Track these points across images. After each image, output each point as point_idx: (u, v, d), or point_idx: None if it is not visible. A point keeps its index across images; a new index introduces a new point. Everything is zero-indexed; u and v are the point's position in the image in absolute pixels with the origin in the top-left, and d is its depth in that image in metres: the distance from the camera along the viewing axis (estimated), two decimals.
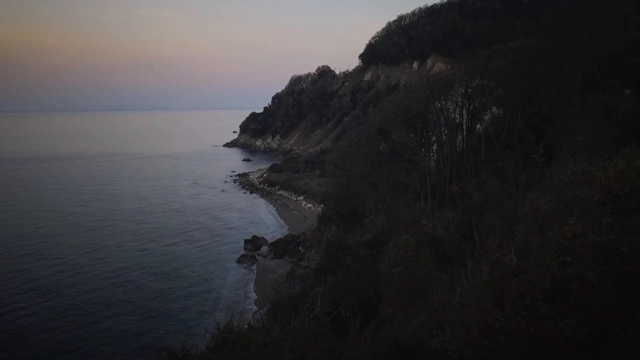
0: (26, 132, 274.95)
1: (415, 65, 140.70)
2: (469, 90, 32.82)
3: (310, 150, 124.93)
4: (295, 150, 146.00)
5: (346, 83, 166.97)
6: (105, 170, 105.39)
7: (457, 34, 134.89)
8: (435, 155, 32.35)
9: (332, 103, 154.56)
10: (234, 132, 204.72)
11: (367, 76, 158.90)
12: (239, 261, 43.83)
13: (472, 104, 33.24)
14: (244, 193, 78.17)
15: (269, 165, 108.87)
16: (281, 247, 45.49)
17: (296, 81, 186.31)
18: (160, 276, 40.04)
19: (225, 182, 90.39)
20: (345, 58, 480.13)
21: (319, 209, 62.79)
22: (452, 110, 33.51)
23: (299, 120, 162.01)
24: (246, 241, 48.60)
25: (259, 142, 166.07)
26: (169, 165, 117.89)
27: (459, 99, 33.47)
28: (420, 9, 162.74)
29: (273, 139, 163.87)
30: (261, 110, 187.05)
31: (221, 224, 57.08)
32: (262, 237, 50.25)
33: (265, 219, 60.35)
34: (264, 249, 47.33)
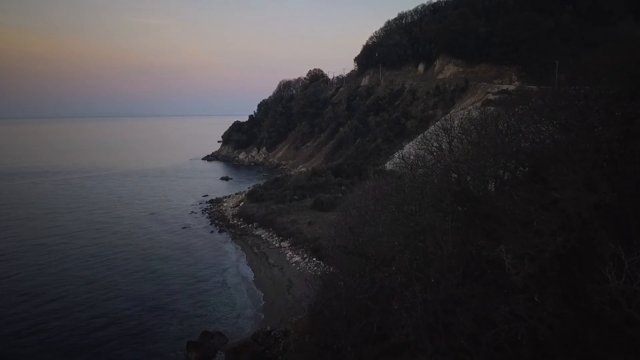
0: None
1: (420, 67, 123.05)
2: None
3: (301, 168, 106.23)
4: (284, 165, 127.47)
5: (341, 89, 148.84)
6: (41, 193, 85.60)
7: (468, 33, 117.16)
8: None
9: (325, 111, 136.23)
10: (219, 141, 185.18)
11: (365, 81, 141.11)
12: None
13: None
14: (211, 232, 59.13)
15: (251, 186, 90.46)
16: None
17: (285, 86, 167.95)
18: None
19: (192, 212, 71.29)
20: (338, 64, 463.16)
21: (309, 264, 44.31)
22: None
23: (287, 131, 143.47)
24: (190, 345, 29.56)
25: (242, 155, 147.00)
26: (133, 185, 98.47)
27: None
28: (423, 5, 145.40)
29: (258, 151, 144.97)
30: (247, 119, 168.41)
31: (161, 298, 37.88)
32: (218, 332, 31.31)
33: (231, 284, 41.35)
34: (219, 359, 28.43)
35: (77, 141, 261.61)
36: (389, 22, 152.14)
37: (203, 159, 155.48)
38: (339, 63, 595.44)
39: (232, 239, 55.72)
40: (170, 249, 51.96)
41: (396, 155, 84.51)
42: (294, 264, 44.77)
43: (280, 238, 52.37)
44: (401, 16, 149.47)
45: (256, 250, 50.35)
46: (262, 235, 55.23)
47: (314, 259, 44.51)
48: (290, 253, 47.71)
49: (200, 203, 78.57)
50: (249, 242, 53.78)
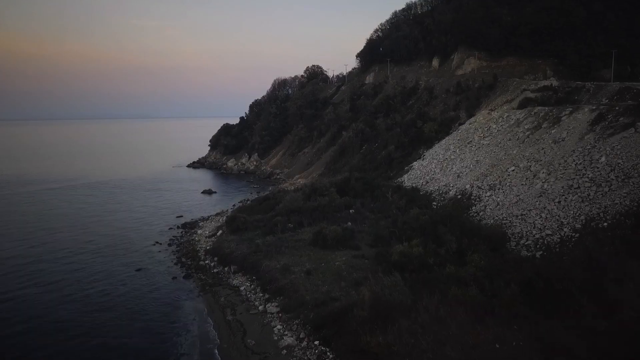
0: None
1: (435, 62, 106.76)
2: None
3: (298, 179, 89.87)
4: (278, 174, 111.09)
5: (343, 87, 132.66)
6: None
7: (491, 22, 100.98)
8: None
9: (325, 112, 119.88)
10: (209, 145, 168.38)
11: (369, 78, 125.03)
12: None
13: None
14: (173, 279, 42.63)
15: (236, 204, 74.83)
16: None
17: (280, 85, 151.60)
18: None
19: (155, 243, 54.79)
20: (338, 64, 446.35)
21: (308, 353, 28.11)
22: None
23: (282, 135, 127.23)
24: None
25: (231, 162, 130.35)
26: (94, 200, 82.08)
27: None
28: None
29: (249, 158, 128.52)
30: (237, 121, 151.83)
31: None
32: None
33: None
34: None
35: (61, 145, 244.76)
36: (395, 13, 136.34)
37: (188, 166, 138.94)
38: (339, 63, 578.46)
39: (199, 292, 39.31)
40: (104, 309, 35.57)
41: (415, 165, 68.37)
42: (284, 352, 28.34)
43: (266, 296, 35.97)
44: (409, 6, 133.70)
45: (230, 317, 33.89)
46: (242, 288, 38.80)
47: (315, 342, 28.28)
48: (279, 327, 31.27)
49: (169, 228, 62.20)
50: (222, 299, 37.32)
